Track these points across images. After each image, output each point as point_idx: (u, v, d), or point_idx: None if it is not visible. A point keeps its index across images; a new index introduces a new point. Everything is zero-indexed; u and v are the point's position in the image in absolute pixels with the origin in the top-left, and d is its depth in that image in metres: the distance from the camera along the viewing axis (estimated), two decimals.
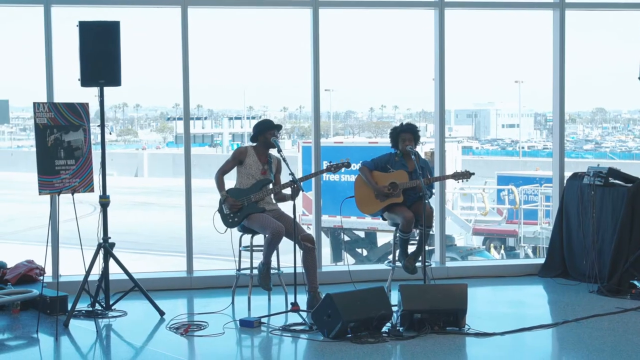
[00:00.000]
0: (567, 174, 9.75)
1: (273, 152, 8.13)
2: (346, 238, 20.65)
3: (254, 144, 8.09)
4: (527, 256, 19.69)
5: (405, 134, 8.25)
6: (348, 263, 9.39)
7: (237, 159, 8.00)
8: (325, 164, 8.12)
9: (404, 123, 8.47)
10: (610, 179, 8.97)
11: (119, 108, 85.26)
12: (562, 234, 9.57)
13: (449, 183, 18.05)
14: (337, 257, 20.30)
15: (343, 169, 8.11)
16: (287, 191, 7.90)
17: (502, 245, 21.38)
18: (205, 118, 68.96)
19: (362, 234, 20.92)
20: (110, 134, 64.65)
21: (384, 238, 20.16)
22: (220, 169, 8.04)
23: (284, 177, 7.93)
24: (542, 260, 9.91)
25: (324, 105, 56.75)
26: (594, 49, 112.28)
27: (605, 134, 76.72)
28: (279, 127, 8.11)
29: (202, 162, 35.29)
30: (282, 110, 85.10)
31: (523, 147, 54.47)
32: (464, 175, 8.24)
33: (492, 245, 21.41)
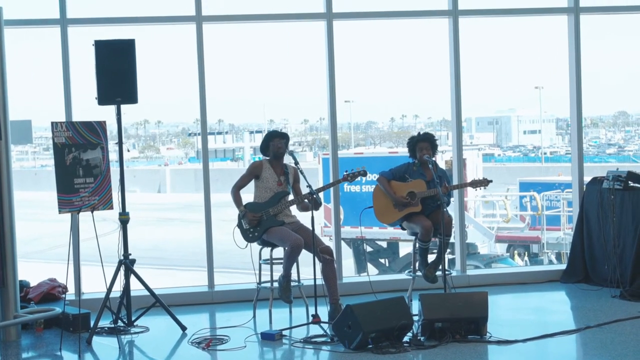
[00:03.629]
0: (589, 178, 9.69)
1: (290, 162, 8.15)
2: (369, 249, 20.61)
3: (267, 157, 8.11)
4: (550, 262, 19.60)
5: (423, 143, 8.23)
6: (369, 273, 9.38)
7: (253, 174, 8.02)
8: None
9: (421, 132, 8.47)
10: (630, 182, 8.93)
11: (140, 125, 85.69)
12: (582, 240, 9.53)
13: (471, 191, 18.01)
14: (360, 268, 20.27)
15: (361, 178, 8.09)
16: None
17: (526, 252, 21.27)
18: (227, 132, 69.18)
19: (384, 244, 20.88)
20: (129, 151, 65.01)
21: (406, 248, 20.10)
22: (236, 184, 8.03)
23: (303, 187, 7.96)
24: (563, 266, 9.87)
25: (344, 116, 56.91)
26: (614, 53, 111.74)
27: (628, 137, 76.23)
28: (284, 135, 8.11)
29: (224, 176, 35.31)
30: (303, 123, 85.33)
31: (545, 153, 54.23)
32: (482, 183, 8.23)
33: (515, 252, 21.30)
